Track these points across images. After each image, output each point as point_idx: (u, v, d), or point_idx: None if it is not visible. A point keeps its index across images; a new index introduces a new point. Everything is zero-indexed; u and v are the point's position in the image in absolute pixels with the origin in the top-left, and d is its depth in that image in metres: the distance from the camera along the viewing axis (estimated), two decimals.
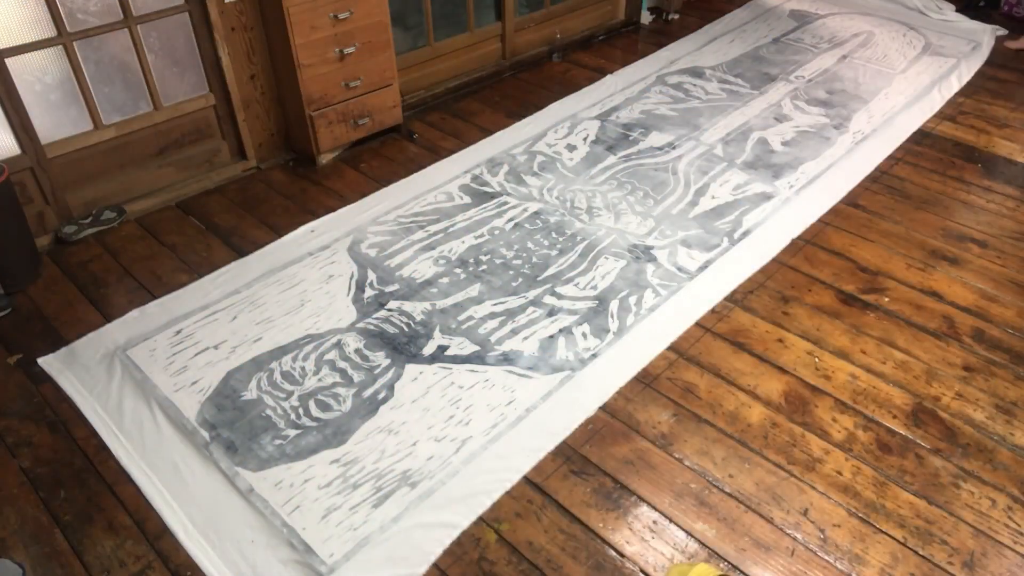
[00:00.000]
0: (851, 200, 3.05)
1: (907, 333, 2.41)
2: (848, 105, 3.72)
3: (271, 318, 2.43)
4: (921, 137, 3.49)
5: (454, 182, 3.13)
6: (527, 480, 1.95)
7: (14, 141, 2.65)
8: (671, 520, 1.85)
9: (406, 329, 2.38)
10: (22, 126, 2.64)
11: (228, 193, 3.13)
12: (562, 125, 3.56)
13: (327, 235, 2.82)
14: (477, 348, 2.31)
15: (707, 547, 1.80)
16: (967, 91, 3.89)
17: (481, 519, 1.85)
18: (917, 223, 2.92)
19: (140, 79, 2.89)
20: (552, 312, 2.45)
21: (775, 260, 2.72)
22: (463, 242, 2.76)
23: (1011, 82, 4.00)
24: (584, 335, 2.37)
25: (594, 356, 2.29)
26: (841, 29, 4.61)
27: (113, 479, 1.96)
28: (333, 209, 2.98)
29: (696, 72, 4.07)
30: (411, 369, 2.24)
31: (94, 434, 2.07)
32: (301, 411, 2.11)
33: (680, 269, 2.65)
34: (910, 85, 3.91)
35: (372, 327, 2.39)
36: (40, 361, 2.30)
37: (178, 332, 2.38)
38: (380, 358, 2.28)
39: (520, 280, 2.59)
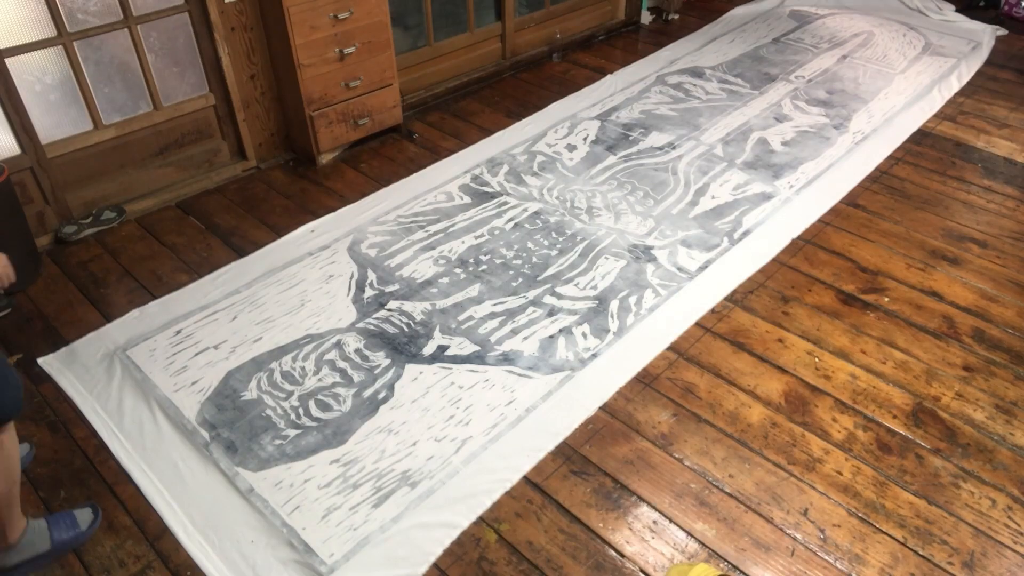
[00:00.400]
0: (851, 200, 3.05)
1: (907, 333, 2.41)
2: (848, 105, 3.72)
3: (271, 318, 2.43)
4: (921, 137, 3.49)
5: (454, 182, 3.13)
6: (527, 480, 1.95)
7: (14, 141, 2.65)
8: (671, 520, 1.85)
9: (406, 329, 2.38)
10: (22, 126, 2.64)
11: (228, 193, 3.13)
12: (562, 125, 3.56)
13: (327, 235, 2.82)
14: (477, 348, 2.31)
15: (707, 547, 1.80)
16: (967, 91, 3.89)
17: (481, 519, 1.85)
18: (917, 223, 2.92)
19: (140, 79, 2.89)
20: (552, 312, 2.45)
21: (775, 260, 2.72)
22: (463, 242, 2.76)
23: (1011, 82, 4.00)
24: (584, 335, 2.37)
25: (594, 356, 2.29)
26: (841, 29, 4.61)
27: (113, 479, 1.96)
28: (333, 209, 2.98)
29: (696, 72, 4.07)
30: (411, 369, 2.24)
31: (94, 434, 2.07)
32: (301, 411, 2.11)
33: (680, 269, 2.65)
34: (910, 85, 3.91)
35: (372, 327, 2.39)
36: (40, 361, 2.30)
37: (178, 332, 2.38)
38: (380, 358, 2.28)
39: (520, 280, 2.59)
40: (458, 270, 2.63)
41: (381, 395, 2.16)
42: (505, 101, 3.85)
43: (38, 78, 2.66)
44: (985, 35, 4.45)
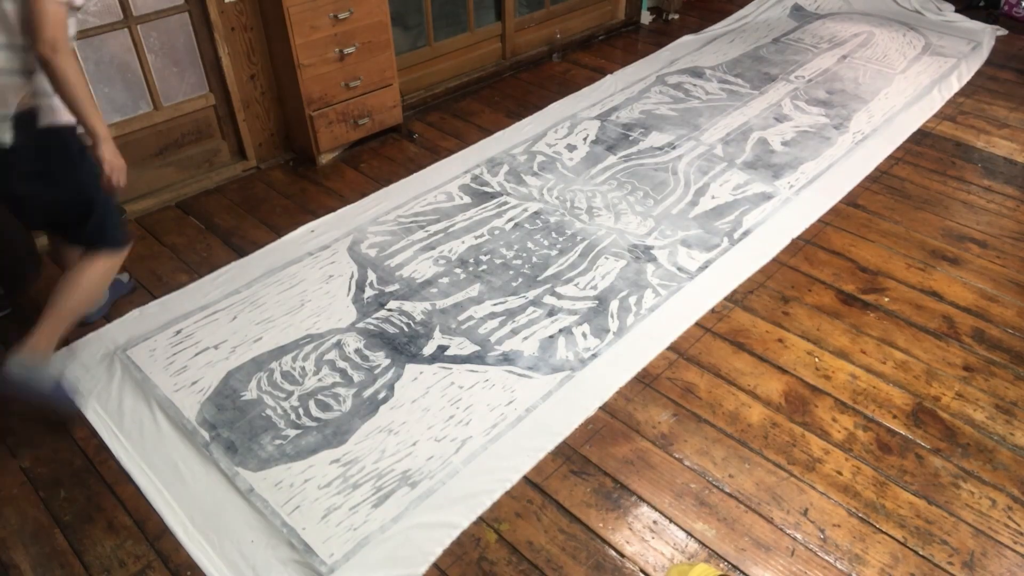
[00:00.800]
0: (851, 200, 3.05)
1: (907, 333, 2.41)
2: (848, 105, 3.72)
3: (271, 318, 2.43)
4: (921, 137, 3.49)
5: (454, 182, 3.13)
6: (527, 480, 1.95)
7: None
8: (671, 520, 1.85)
9: (406, 329, 2.38)
10: None
11: (228, 193, 3.13)
12: (562, 125, 3.56)
13: (327, 235, 2.82)
14: (477, 348, 2.31)
15: (707, 547, 1.80)
16: (967, 91, 3.89)
17: (481, 519, 1.85)
18: (917, 223, 2.92)
19: (140, 79, 2.89)
20: (552, 312, 2.45)
21: (775, 260, 2.72)
22: (463, 242, 2.76)
23: (1011, 82, 4.00)
24: (584, 335, 2.37)
25: (594, 356, 2.29)
26: (841, 29, 4.61)
27: (113, 479, 1.96)
28: (333, 209, 2.98)
29: (696, 72, 4.07)
30: (411, 369, 2.24)
31: (94, 434, 2.07)
32: (301, 411, 2.11)
33: (680, 269, 2.65)
34: (910, 85, 3.91)
35: (372, 327, 2.39)
36: None
37: (178, 332, 2.38)
38: (380, 358, 2.28)
39: (520, 280, 2.59)
40: (458, 270, 2.63)
41: (381, 395, 2.16)
42: (505, 101, 3.85)
43: None
44: (985, 35, 4.45)
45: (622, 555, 1.78)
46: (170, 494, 1.90)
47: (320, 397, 2.15)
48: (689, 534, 1.82)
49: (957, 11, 4.75)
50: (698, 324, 2.44)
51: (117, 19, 2.75)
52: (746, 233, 2.83)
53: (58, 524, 1.86)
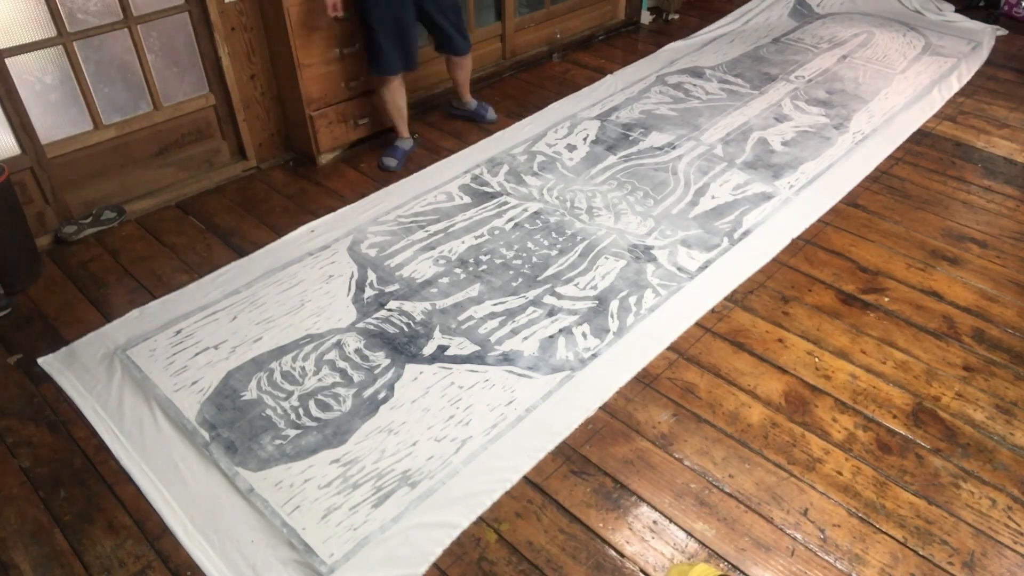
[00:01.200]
0: (851, 200, 3.05)
1: (907, 333, 2.41)
2: (848, 105, 3.72)
3: (271, 318, 2.43)
4: (921, 137, 3.49)
5: (454, 182, 3.13)
6: (527, 480, 1.95)
7: (14, 141, 2.65)
8: (671, 520, 1.85)
9: (406, 329, 2.38)
10: (22, 126, 2.64)
11: (228, 193, 3.13)
12: (562, 125, 3.56)
13: (327, 235, 2.82)
14: (477, 348, 2.31)
15: (707, 547, 1.80)
16: (967, 91, 3.89)
17: (481, 519, 1.85)
18: (917, 223, 2.92)
19: (140, 79, 2.89)
20: (552, 312, 2.45)
21: (775, 260, 2.72)
22: (463, 242, 2.76)
23: (1011, 82, 4.00)
24: (584, 335, 2.37)
25: (594, 356, 2.29)
26: (841, 29, 4.61)
27: (113, 479, 1.96)
28: (333, 209, 2.98)
29: (696, 72, 4.07)
30: (411, 369, 2.24)
31: (94, 434, 2.07)
32: (301, 411, 2.11)
33: (680, 269, 2.65)
34: (910, 85, 3.91)
35: (372, 327, 2.39)
36: (40, 361, 2.30)
37: (178, 332, 2.38)
38: (380, 358, 2.28)
39: (520, 280, 2.59)
40: (458, 270, 2.63)
41: (381, 395, 2.16)
42: (505, 101, 3.85)
43: (38, 78, 2.66)
44: (985, 35, 4.45)
45: (622, 555, 1.78)
46: (170, 494, 1.90)
47: (320, 397, 2.15)
48: (689, 534, 1.82)
49: (957, 11, 4.75)
50: (698, 324, 2.44)
51: (117, 19, 2.75)
52: (746, 233, 2.83)
53: (58, 524, 1.86)
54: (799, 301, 2.54)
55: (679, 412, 2.14)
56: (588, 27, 4.53)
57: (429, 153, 3.39)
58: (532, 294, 2.53)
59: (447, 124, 3.65)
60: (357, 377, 2.21)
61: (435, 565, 1.75)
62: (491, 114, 3.59)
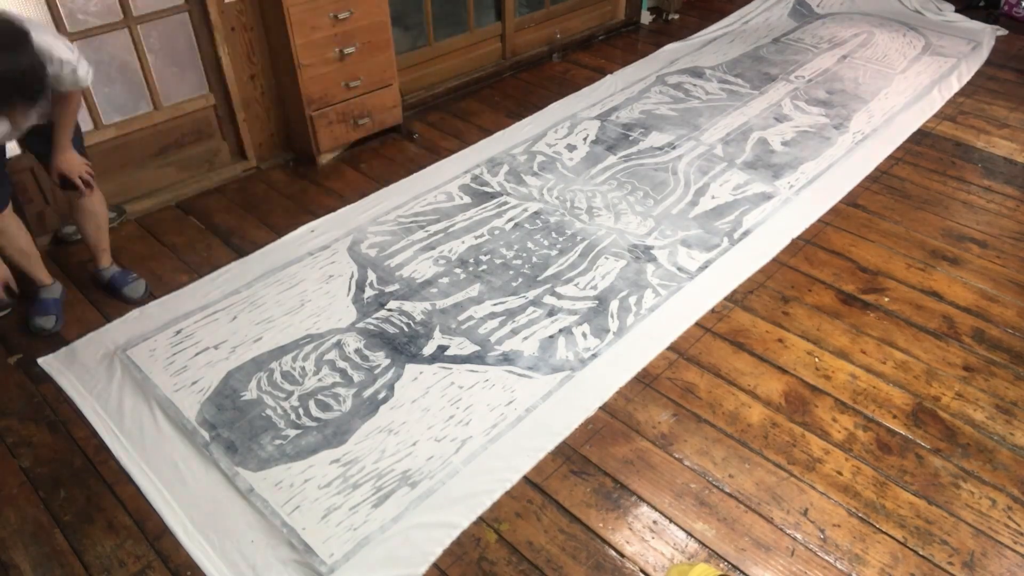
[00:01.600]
0: (851, 200, 3.05)
1: (907, 333, 2.41)
2: (848, 105, 3.72)
3: (271, 318, 2.43)
4: (921, 137, 3.49)
5: (454, 182, 3.13)
6: (527, 480, 1.95)
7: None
8: (671, 520, 1.85)
9: (406, 329, 2.38)
10: None
11: (228, 193, 3.13)
12: (562, 125, 3.56)
13: (327, 235, 2.82)
14: (477, 348, 2.31)
15: (707, 547, 1.80)
16: (967, 91, 3.89)
17: (481, 519, 1.85)
18: (917, 223, 2.92)
19: (140, 79, 2.89)
20: (552, 312, 2.45)
21: (775, 260, 2.72)
22: (463, 242, 2.76)
23: (1011, 82, 4.00)
24: (584, 335, 2.37)
25: (594, 356, 2.29)
26: (841, 29, 4.61)
27: (113, 479, 1.96)
28: (333, 209, 2.98)
29: (696, 72, 4.07)
30: (411, 369, 2.24)
31: (94, 434, 2.07)
32: (301, 411, 2.11)
33: (680, 269, 2.65)
34: (910, 85, 3.91)
35: (372, 327, 2.39)
36: (40, 361, 2.30)
37: (178, 332, 2.38)
38: (380, 358, 2.28)
39: (520, 280, 2.59)
40: (458, 270, 2.63)
41: (381, 395, 2.16)
42: (505, 101, 3.85)
43: None
44: (985, 35, 4.45)
45: (622, 555, 1.78)
46: (170, 494, 1.90)
47: (320, 397, 2.15)
48: (689, 534, 1.82)
49: (957, 11, 4.75)
50: (698, 324, 2.44)
51: (117, 19, 2.75)
52: (746, 233, 2.83)
53: (58, 524, 1.86)
54: (799, 301, 2.54)
55: (679, 412, 2.14)
56: (588, 27, 4.53)
57: (429, 153, 3.39)
58: (532, 294, 2.53)
59: (447, 124, 3.65)
60: (357, 377, 2.21)
61: (435, 565, 1.75)
62: (134, 290, 2.55)
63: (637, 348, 2.33)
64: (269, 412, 2.11)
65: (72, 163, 2.29)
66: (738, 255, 2.72)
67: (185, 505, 1.88)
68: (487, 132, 3.52)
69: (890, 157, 3.33)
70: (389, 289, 2.54)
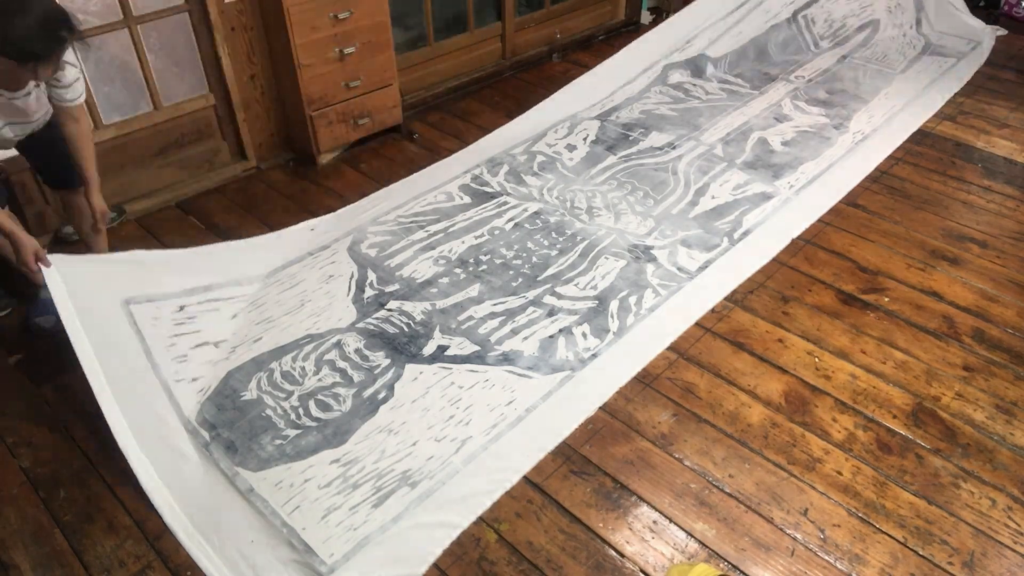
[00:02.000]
0: (851, 200, 3.05)
1: (907, 333, 2.41)
2: (848, 105, 3.72)
3: (271, 318, 2.43)
4: (921, 137, 3.49)
5: (454, 182, 3.13)
6: (527, 480, 1.95)
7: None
8: (671, 520, 1.85)
9: (406, 329, 2.38)
10: None
11: (228, 193, 3.13)
12: (562, 125, 3.56)
13: (327, 235, 2.82)
14: (477, 348, 2.31)
15: (707, 547, 1.80)
16: (967, 91, 3.89)
17: (481, 519, 1.85)
18: (917, 223, 2.92)
19: (140, 79, 2.89)
20: (552, 312, 2.45)
21: (775, 260, 2.72)
22: (463, 242, 2.76)
23: (1011, 82, 4.00)
24: (584, 335, 2.37)
25: (594, 356, 2.29)
26: (841, 28, 4.60)
27: (113, 479, 1.96)
28: (333, 209, 2.98)
29: (696, 72, 4.07)
30: (411, 369, 2.24)
31: (94, 434, 2.06)
32: (301, 411, 2.11)
33: (680, 269, 2.65)
34: (910, 85, 3.91)
35: (372, 327, 2.39)
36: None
37: (182, 308, 2.34)
38: (380, 358, 2.28)
39: (520, 280, 2.59)
40: (458, 270, 2.63)
41: (381, 395, 2.16)
42: (505, 101, 3.85)
43: None
44: (985, 35, 4.45)
45: (622, 555, 1.78)
46: (170, 494, 1.90)
47: (320, 397, 2.15)
48: (689, 534, 1.82)
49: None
50: (698, 324, 2.44)
51: (117, 19, 2.75)
52: (746, 233, 2.83)
53: (58, 524, 1.86)
54: (799, 301, 2.54)
55: (679, 412, 2.14)
56: (588, 27, 4.53)
57: (429, 153, 3.39)
58: (532, 294, 2.53)
59: (447, 124, 3.65)
60: (357, 377, 2.21)
61: (435, 565, 1.75)
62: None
63: (637, 348, 2.33)
64: (269, 412, 2.11)
65: (104, 204, 2.33)
66: (738, 255, 2.72)
67: (185, 505, 1.88)
68: (487, 132, 3.52)
69: (890, 157, 3.33)
70: (389, 289, 2.54)
